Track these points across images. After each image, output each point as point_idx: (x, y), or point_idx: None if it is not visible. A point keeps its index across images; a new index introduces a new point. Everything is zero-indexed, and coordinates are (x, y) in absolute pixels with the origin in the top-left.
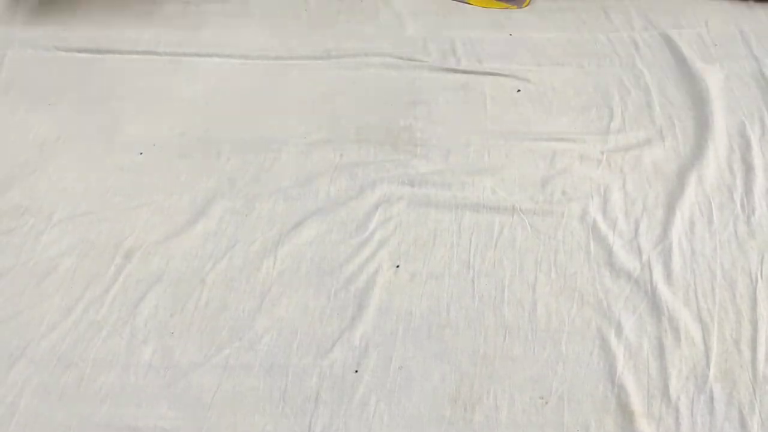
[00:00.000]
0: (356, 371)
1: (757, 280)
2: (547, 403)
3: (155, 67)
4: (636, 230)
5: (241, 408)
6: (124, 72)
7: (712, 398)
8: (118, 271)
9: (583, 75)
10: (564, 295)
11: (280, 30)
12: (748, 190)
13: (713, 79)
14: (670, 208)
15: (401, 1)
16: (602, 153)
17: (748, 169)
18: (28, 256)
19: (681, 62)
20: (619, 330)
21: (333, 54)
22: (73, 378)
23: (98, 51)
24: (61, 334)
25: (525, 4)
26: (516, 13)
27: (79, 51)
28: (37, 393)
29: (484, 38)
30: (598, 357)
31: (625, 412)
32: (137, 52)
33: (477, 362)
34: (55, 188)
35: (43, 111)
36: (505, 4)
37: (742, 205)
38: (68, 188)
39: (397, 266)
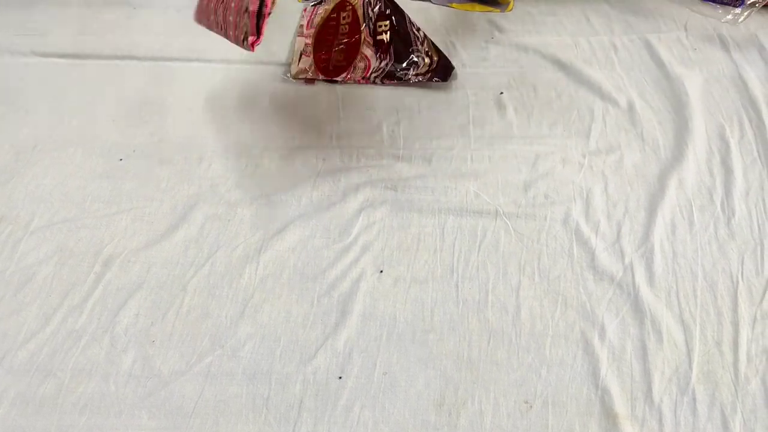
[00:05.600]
0: (340, 377)
1: (738, 282)
2: (531, 407)
3: (135, 72)
4: (618, 233)
5: (224, 416)
6: (104, 78)
7: (694, 399)
8: (98, 279)
9: (564, 78)
10: (547, 298)
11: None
12: (727, 192)
13: (692, 83)
14: (652, 211)
15: None
16: (584, 156)
17: (728, 171)
18: (5, 265)
19: (660, 66)
20: (602, 333)
21: None
22: (51, 388)
23: (77, 56)
24: (39, 343)
25: (508, 8)
26: (498, 17)
27: (58, 56)
28: (15, 404)
29: (466, 42)
30: (582, 360)
31: (609, 414)
32: (117, 58)
33: (461, 367)
34: (33, 196)
35: (21, 117)
36: (487, 8)
37: (722, 208)
38: (46, 195)
39: (381, 271)
